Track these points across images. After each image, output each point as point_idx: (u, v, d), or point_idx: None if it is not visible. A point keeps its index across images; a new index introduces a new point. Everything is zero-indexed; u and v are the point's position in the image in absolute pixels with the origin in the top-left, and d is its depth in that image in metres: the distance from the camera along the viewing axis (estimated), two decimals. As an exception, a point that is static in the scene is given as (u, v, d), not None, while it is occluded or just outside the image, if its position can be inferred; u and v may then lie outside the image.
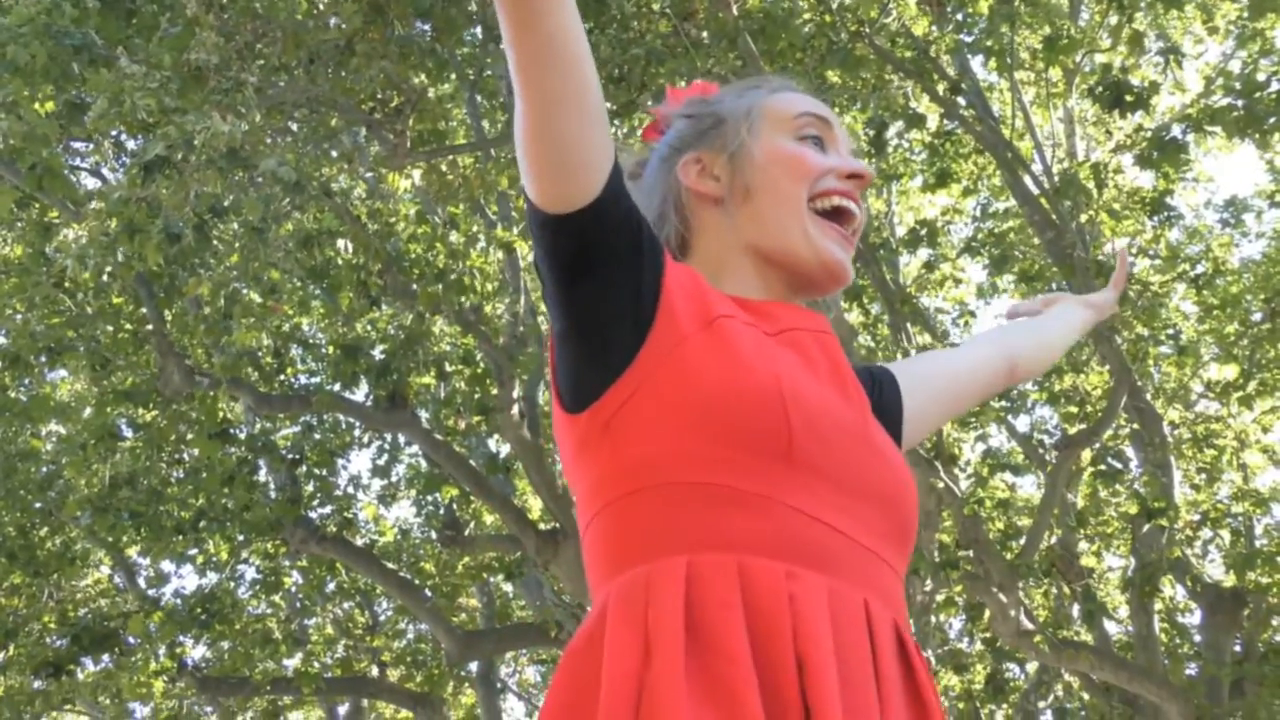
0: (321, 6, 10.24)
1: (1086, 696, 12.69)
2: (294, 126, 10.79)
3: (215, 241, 11.08)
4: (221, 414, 11.95)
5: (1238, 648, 11.76)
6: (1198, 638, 12.30)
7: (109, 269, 10.76)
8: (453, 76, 11.11)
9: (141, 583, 12.85)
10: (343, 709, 13.66)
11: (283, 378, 12.40)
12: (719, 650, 1.48)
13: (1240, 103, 10.73)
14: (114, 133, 10.59)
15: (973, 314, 13.31)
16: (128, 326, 11.77)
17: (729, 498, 1.59)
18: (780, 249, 1.84)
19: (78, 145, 11.28)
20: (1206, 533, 12.45)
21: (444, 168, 11.42)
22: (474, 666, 13.45)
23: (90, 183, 11.58)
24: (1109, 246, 11.72)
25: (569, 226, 1.63)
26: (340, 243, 11.47)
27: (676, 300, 1.70)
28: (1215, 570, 12.50)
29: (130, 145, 10.94)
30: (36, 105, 10.06)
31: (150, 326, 11.48)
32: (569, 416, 1.72)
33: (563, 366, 1.72)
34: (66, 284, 11.42)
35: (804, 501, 1.61)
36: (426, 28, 10.44)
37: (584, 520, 1.73)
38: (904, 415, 1.97)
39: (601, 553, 1.66)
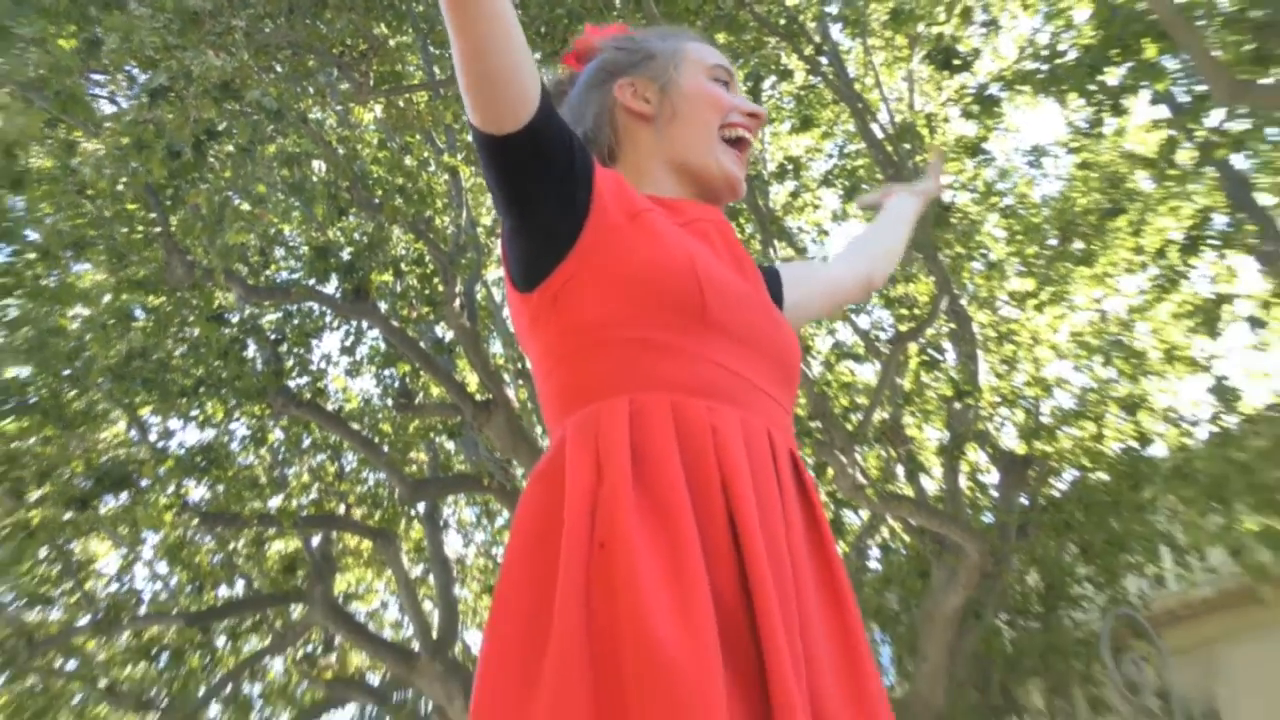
0: (302, -35, 10.00)
1: (906, 538, 12.96)
2: (277, 66, 10.68)
3: (211, 158, 10.94)
4: (217, 302, 11.97)
5: (1024, 500, 12.16)
6: (994, 493, 12.61)
7: (123, 179, 10.66)
8: (409, 28, 11.06)
9: (152, 436, 12.87)
10: (315, 540, 13.68)
11: (267, 273, 12.35)
12: (658, 470, 1.52)
13: (1045, 67, 10.93)
14: (126, 66, 10.40)
15: (827, 233, 13.45)
16: (139, 228, 11.70)
17: (659, 349, 1.64)
18: (695, 164, 1.89)
19: (96, 76, 11.05)
20: (1004, 411, 12.79)
21: (401, 104, 11.57)
22: (421, 507, 13.69)
23: (107, 108, 11.44)
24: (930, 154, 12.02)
25: (508, 145, 1.64)
26: (315, 163, 11.46)
27: (607, 198, 1.71)
28: (1010, 440, 12.74)
29: (139, 77, 10.74)
30: (61, 41, 9.95)
31: (158, 228, 11.39)
32: (522, 296, 1.75)
33: (514, 257, 1.74)
34: (88, 191, 11.30)
35: (717, 353, 1.66)
36: (389, -13, 10.34)
37: (539, 376, 1.75)
38: (784, 307, 2.00)
39: (557, 397, 1.70)
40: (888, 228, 2.35)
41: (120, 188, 11.24)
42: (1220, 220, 11.45)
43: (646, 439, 1.54)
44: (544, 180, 1.66)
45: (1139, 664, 12.78)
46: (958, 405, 12.11)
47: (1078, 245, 12.28)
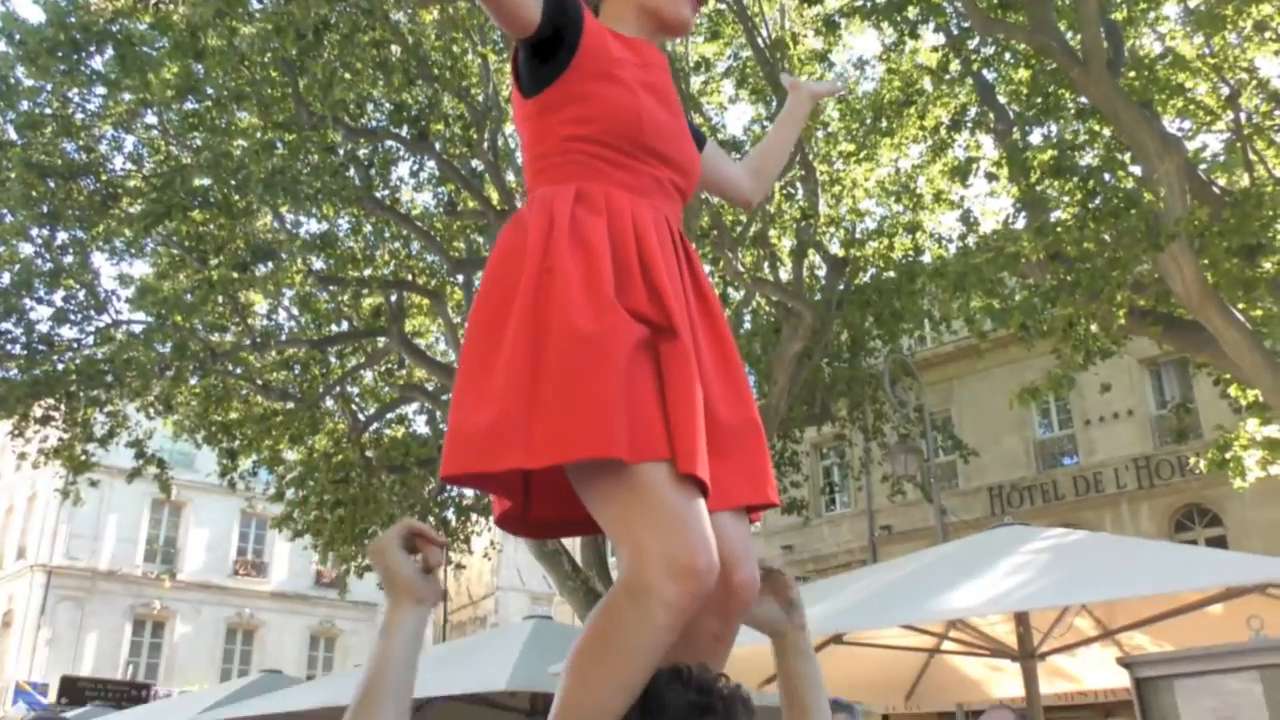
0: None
1: (768, 308, 13.40)
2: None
3: (325, 42, 11.11)
4: (329, 139, 12.06)
5: (841, 286, 12.77)
6: (823, 280, 13.20)
7: (267, 54, 11.11)
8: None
9: (288, 225, 12.97)
10: (393, 297, 13.74)
11: (362, 120, 12.41)
12: (589, 227, 1.47)
13: (867, 3, 10.98)
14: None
15: (725, 109, 13.78)
16: (278, 87, 11.78)
17: (603, 159, 1.56)
18: (661, 8, 1.70)
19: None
20: (832, 229, 13.22)
21: (450, 10, 11.70)
22: (460, 278, 13.75)
23: (255, 4, 11.47)
24: (824, 82, 12.55)
25: (523, 42, 1.58)
26: (394, 47, 11.67)
27: (591, 46, 1.58)
28: (834, 247, 13.26)
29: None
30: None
31: (290, 88, 11.54)
32: (524, 99, 1.63)
33: (522, 74, 1.62)
34: (245, 61, 11.27)
35: (644, 165, 1.59)
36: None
37: (525, 156, 1.66)
38: None
39: (533, 175, 1.61)
40: (780, 142, 2.07)
41: (265, 59, 11.47)
42: (973, 110, 11.94)
43: (584, 209, 1.50)
44: (546, 50, 1.58)
45: (906, 390, 14.22)
46: (803, 223, 12.67)
47: (883, 123, 12.56)
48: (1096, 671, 6.77)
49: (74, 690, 17.37)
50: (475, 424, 1.36)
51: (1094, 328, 9.94)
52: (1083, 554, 5.15)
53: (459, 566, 16.76)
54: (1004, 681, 6.75)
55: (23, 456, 12.97)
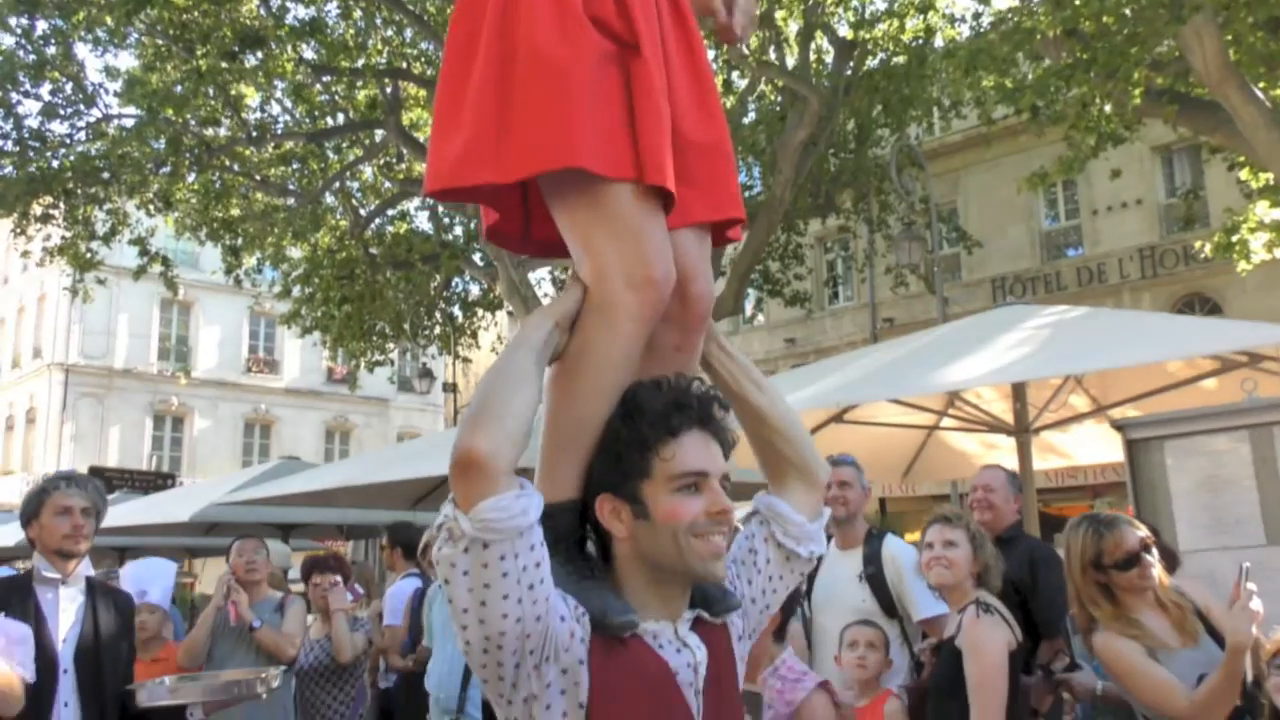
0: None
1: (772, 95, 13.40)
2: None
3: None
4: None
5: (849, 71, 12.52)
6: (830, 65, 12.98)
7: None
8: None
9: (274, 9, 12.39)
10: (389, 88, 13.23)
11: None
12: None
13: None
14: None
15: None
16: None
17: None
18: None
19: None
20: (841, 10, 12.61)
21: None
22: None
23: None
24: None
25: None
26: None
27: None
28: (843, 30, 12.87)
29: None
30: None
31: None
32: None
33: None
34: None
35: None
36: None
37: None
38: None
39: None
40: None
41: None
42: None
43: None
44: None
45: (912, 180, 14.10)
46: (811, 2, 12.16)
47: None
48: (1088, 448, 6.98)
49: (101, 480, 18.08)
50: (451, 146, 1.37)
51: (1108, 109, 9.68)
52: (1082, 328, 5.21)
53: (466, 360, 17.13)
54: (998, 458, 6.95)
55: (26, 255, 13.02)
